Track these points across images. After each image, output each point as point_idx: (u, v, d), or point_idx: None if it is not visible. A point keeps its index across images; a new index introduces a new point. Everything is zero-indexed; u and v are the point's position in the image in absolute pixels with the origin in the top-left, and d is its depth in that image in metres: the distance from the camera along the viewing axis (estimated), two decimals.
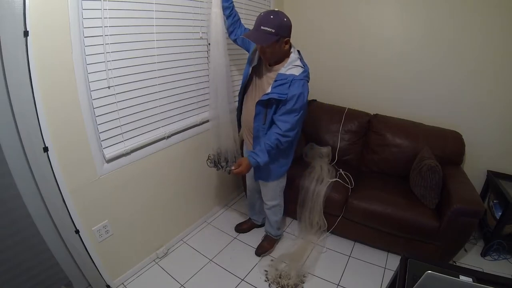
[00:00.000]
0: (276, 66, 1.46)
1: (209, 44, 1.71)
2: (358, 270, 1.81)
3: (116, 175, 1.49)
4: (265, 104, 1.43)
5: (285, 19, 1.34)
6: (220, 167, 1.76)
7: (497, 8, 1.83)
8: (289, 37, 1.39)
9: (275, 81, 1.39)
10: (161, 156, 1.72)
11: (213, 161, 1.77)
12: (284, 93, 1.36)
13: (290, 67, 1.40)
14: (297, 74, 1.38)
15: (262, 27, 1.30)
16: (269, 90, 1.40)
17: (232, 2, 1.61)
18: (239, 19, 1.67)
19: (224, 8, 1.59)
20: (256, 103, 1.45)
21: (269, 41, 1.31)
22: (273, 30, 1.30)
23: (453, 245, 1.70)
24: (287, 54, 1.44)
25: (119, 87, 1.39)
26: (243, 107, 1.66)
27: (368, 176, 2.15)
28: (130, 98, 1.46)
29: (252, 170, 1.58)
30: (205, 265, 1.83)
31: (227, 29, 1.67)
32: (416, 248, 1.76)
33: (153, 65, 1.53)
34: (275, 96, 1.37)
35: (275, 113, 1.44)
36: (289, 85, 1.36)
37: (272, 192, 1.75)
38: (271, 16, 1.31)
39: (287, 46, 1.40)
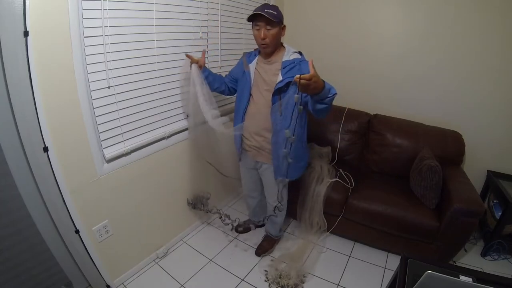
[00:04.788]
0: (275, 57, 1.52)
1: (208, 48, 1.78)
2: (358, 270, 1.81)
3: (116, 175, 1.49)
4: (279, 92, 1.47)
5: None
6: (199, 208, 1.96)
7: (497, 9, 1.83)
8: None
9: (283, 68, 1.46)
10: (161, 156, 1.72)
11: (192, 204, 1.97)
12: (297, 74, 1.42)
13: (291, 54, 1.50)
14: (300, 57, 1.49)
15: (266, 10, 1.38)
16: (280, 78, 1.45)
17: (206, 73, 1.64)
18: (216, 77, 1.72)
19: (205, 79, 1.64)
20: (273, 93, 1.47)
21: (278, 18, 1.41)
22: (275, 13, 1.40)
23: (453, 245, 1.69)
24: (280, 44, 1.53)
25: (119, 87, 1.39)
26: (248, 114, 1.62)
27: (368, 176, 2.15)
28: (130, 98, 1.46)
29: (271, 169, 1.63)
30: (205, 265, 1.83)
31: (215, 90, 1.74)
32: (416, 248, 1.76)
33: (153, 65, 1.53)
34: (290, 79, 1.42)
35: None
36: (299, 67, 1.44)
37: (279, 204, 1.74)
38: (270, 5, 1.45)
39: (284, 33, 1.50)
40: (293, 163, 1.48)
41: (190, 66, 1.60)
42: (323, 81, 1.19)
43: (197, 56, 1.62)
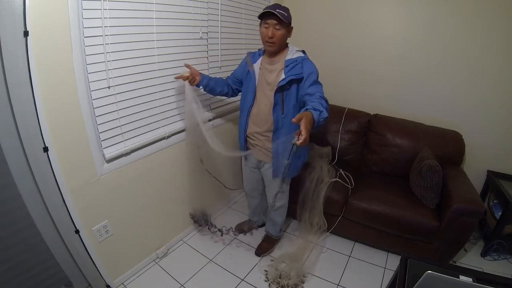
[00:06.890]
0: (278, 57, 1.53)
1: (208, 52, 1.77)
2: (358, 270, 1.81)
3: (116, 175, 1.49)
4: (282, 90, 1.47)
5: None
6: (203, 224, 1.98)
7: (497, 9, 1.83)
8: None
9: (286, 66, 1.47)
10: (161, 156, 1.71)
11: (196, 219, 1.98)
12: (299, 72, 1.45)
13: (294, 52, 1.51)
14: (303, 55, 1.51)
15: (277, 10, 1.39)
16: (283, 76, 1.46)
17: (205, 80, 1.63)
18: (218, 81, 1.71)
19: (204, 88, 1.66)
20: (275, 91, 1.48)
21: (288, 20, 1.43)
22: (286, 14, 1.42)
23: (453, 245, 1.70)
24: (285, 45, 1.55)
25: (119, 87, 1.39)
26: (252, 114, 1.62)
27: (368, 176, 2.15)
28: (130, 98, 1.46)
29: (270, 168, 1.64)
30: (205, 265, 1.83)
31: (218, 94, 1.75)
32: (416, 248, 1.76)
33: (153, 65, 1.53)
34: (292, 77, 1.44)
35: (296, 95, 1.48)
36: (301, 65, 1.46)
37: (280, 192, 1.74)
38: (282, 6, 1.47)
39: (291, 35, 1.52)
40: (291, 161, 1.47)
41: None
42: (311, 113, 1.19)
43: (193, 63, 1.63)
